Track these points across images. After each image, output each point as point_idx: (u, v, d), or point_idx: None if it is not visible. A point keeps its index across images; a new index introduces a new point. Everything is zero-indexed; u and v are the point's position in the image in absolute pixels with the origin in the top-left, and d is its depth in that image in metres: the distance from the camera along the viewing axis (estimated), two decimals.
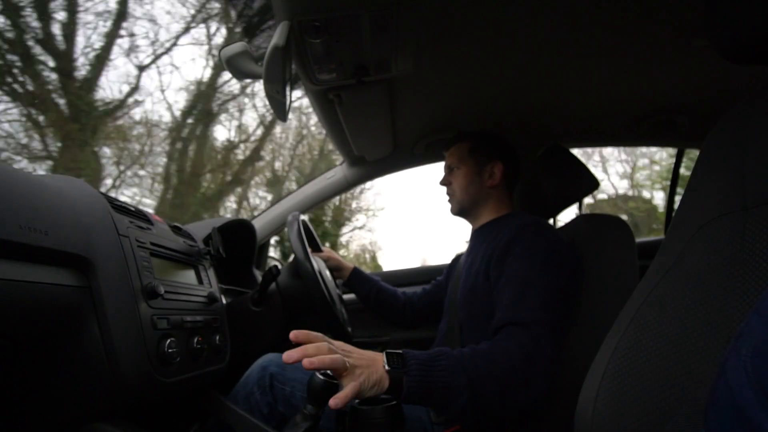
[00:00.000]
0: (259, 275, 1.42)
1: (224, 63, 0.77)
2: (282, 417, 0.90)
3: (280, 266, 1.07)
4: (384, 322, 1.52)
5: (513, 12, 0.79)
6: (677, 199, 1.80)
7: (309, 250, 1.00)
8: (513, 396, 0.74)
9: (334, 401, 0.60)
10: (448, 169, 1.14)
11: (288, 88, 0.77)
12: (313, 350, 0.63)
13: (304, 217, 1.20)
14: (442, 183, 1.16)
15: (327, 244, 3.24)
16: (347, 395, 0.61)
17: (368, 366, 0.67)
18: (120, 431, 0.62)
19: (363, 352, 0.71)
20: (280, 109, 0.78)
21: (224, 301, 0.96)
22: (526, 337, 0.78)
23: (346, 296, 1.51)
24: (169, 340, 0.68)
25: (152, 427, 0.73)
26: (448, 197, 1.15)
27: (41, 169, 4.13)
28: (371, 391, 0.66)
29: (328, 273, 1.25)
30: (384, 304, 1.33)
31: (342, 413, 0.73)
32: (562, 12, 0.80)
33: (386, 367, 0.68)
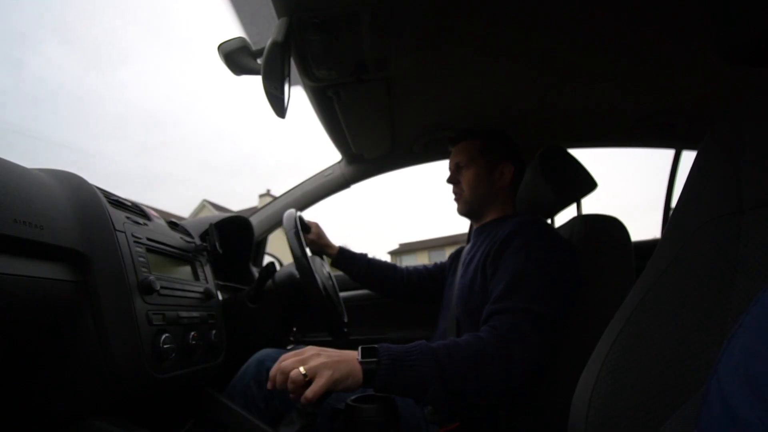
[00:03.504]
0: (256, 272, 1.42)
1: (222, 58, 0.76)
2: (278, 411, 0.91)
3: (276, 263, 1.07)
4: (382, 317, 1.52)
5: (512, 12, 0.79)
6: (674, 200, 1.81)
7: (307, 249, 1.00)
8: (489, 382, 0.73)
9: (304, 398, 0.66)
10: (456, 167, 1.12)
11: (287, 85, 0.76)
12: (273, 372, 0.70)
13: (300, 214, 1.20)
14: (450, 181, 1.14)
15: None
16: (314, 391, 0.66)
17: (337, 362, 0.70)
18: (115, 428, 0.61)
19: (334, 351, 0.73)
20: (278, 105, 0.78)
21: (221, 297, 0.96)
22: (506, 323, 0.78)
23: (343, 294, 1.51)
24: (164, 336, 0.67)
25: (147, 423, 0.73)
26: (455, 196, 1.13)
27: None
28: (344, 383, 0.69)
29: (325, 270, 1.25)
30: (375, 277, 1.34)
31: (337, 411, 0.74)
32: (561, 13, 0.80)
33: (359, 359, 0.71)
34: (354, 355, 0.72)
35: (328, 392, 0.68)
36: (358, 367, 0.70)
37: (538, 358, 0.77)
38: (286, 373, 0.68)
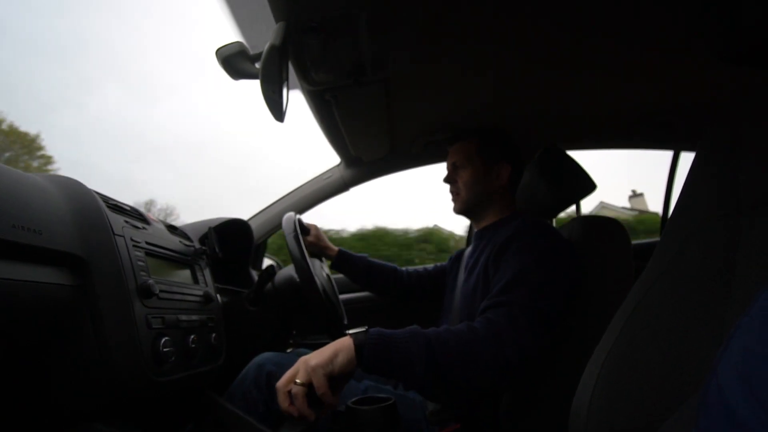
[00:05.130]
0: (255, 275, 1.41)
1: (220, 63, 0.76)
2: (279, 415, 0.90)
3: (276, 266, 1.07)
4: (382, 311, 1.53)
5: (511, 13, 0.79)
6: (673, 201, 1.81)
7: (305, 252, 1.00)
8: (477, 367, 0.73)
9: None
10: (453, 167, 1.13)
11: (285, 88, 0.76)
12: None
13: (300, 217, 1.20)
14: (447, 180, 1.14)
15: None
16: (320, 387, 0.67)
17: (322, 350, 0.71)
18: (115, 430, 0.61)
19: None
20: (276, 109, 0.78)
21: (220, 300, 0.96)
22: (501, 315, 0.78)
23: (343, 296, 1.51)
24: (164, 340, 0.67)
25: (147, 426, 0.73)
26: (452, 195, 1.14)
27: None
28: (336, 361, 0.69)
29: (325, 273, 1.25)
30: (374, 278, 1.35)
31: (337, 413, 0.74)
32: (560, 14, 0.80)
33: (348, 333, 0.73)
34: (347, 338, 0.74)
35: (338, 379, 0.69)
36: (348, 341, 0.71)
37: (529, 350, 0.76)
38: (285, 393, 0.69)
